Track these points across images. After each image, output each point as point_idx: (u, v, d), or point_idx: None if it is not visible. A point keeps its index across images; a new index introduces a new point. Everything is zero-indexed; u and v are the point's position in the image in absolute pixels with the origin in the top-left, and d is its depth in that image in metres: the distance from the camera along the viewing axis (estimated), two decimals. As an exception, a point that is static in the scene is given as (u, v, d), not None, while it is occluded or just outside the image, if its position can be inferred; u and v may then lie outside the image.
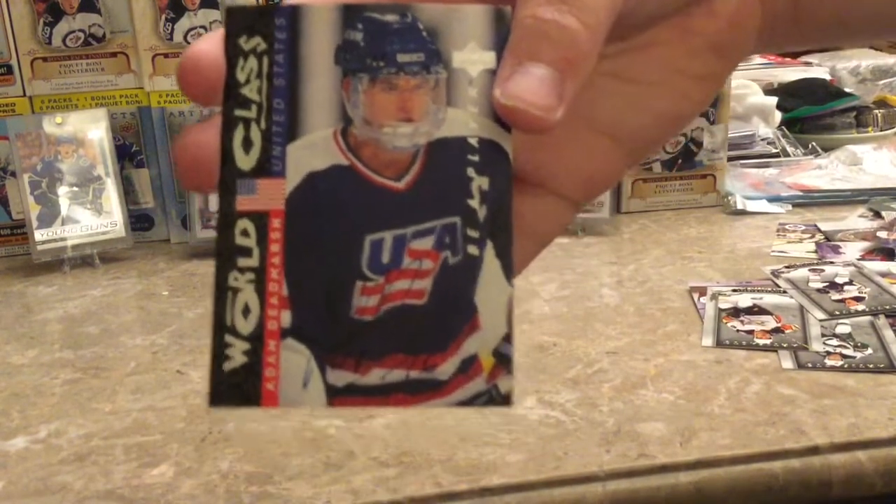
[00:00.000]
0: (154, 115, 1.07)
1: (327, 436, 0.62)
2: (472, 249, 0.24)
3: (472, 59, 0.24)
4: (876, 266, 0.89)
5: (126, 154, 1.09)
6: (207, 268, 1.00)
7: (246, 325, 0.23)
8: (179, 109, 1.07)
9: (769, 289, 0.84)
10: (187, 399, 0.68)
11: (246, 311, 0.23)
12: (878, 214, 1.08)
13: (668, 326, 0.78)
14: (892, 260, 0.91)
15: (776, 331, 0.75)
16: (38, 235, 1.00)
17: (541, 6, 0.23)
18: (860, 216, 1.08)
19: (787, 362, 0.70)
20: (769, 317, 0.78)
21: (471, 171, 0.24)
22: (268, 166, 0.24)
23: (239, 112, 0.24)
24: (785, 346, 0.72)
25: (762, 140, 1.32)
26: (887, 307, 0.78)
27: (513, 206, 0.24)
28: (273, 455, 0.60)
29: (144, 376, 0.73)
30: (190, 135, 0.25)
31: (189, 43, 1.06)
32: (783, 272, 0.88)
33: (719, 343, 0.74)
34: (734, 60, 0.29)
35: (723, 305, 0.81)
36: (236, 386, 0.23)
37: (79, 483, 0.58)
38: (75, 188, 1.03)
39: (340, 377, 0.23)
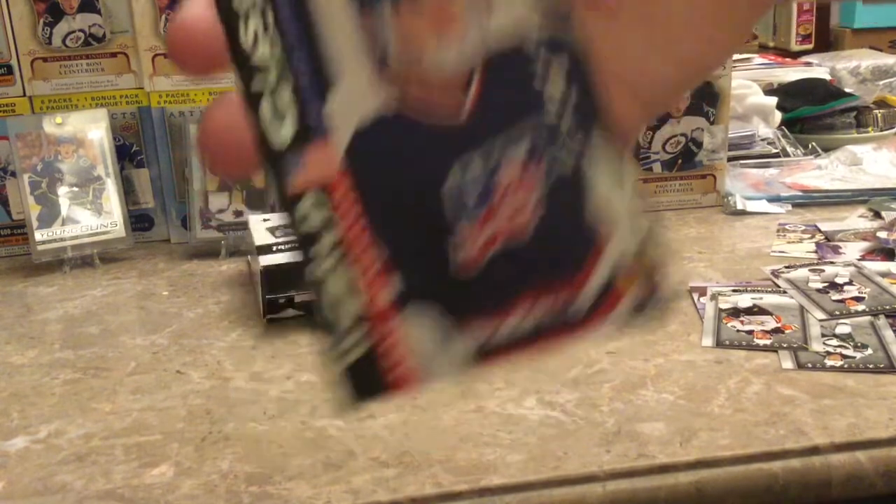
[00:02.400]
0: (154, 115, 1.07)
1: (327, 436, 0.62)
2: (567, 157, 0.21)
3: None
4: (876, 266, 0.89)
5: (126, 154, 1.09)
6: (207, 268, 1.00)
7: (352, 310, 0.21)
8: (179, 109, 1.08)
9: (769, 289, 0.84)
10: (187, 399, 0.68)
11: (345, 298, 0.21)
12: (878, 214, 1.08)
13: (668, 326, 0.78)
14: (892, 260, 0.91)
15: (776, 331, 0.75)
16: (38, 235, 1.00)
17: None
18: (860, 216, 1.08)
19: (787, 362, 0.70)
20: (769, 317, 0.78)
21: (539, 70, 0.20)
22: (308, 133, 0.20)
23: (257, 83, 0.21)
24: (785, 346, 0.72)
25: (762, 140, 1.32)
26: (887, 307, 0.78)
27: (599, 93, 0.21)
28: (273, 455, 0.60)
29: (144, 376, 0.73)
30: (212, 118, 0.22)
31: (189, 43, 1.06)
32: (783, 272, 0.88)
33: (719, 343, 0.74)
34: (766, 6, 0.27)
35: (723, 305, 0.81)
36: (364, 379, 0.21)
37: (79, 483, 0.58)
38: (75, 188, 1.03)
39: (474, 336, 0.21)
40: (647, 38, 0.26)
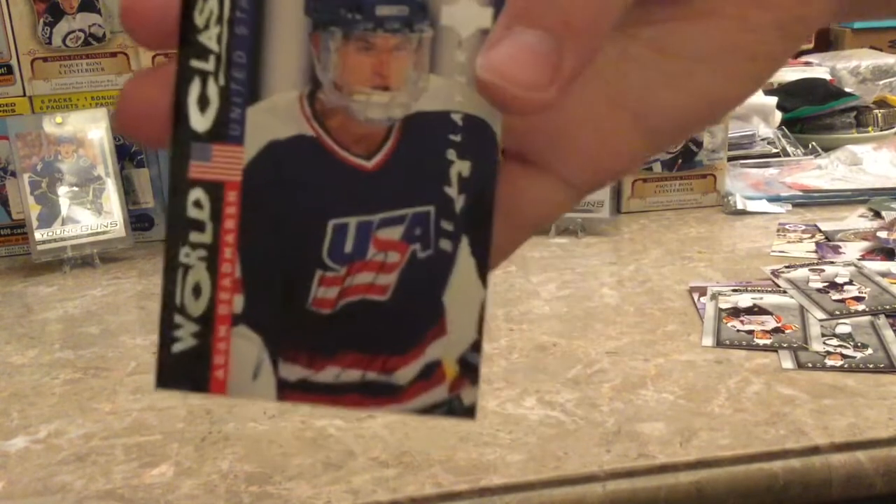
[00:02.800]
0: (154, 115, 1.07)
1: (327, 436, 0.62)
2: (445, 244, 0.22)
3: (464, 16, 0.21)
4: (876, 266, 0.89)
5: (126, 154, 1.09)
6: (207, 268, 1.00)
7: (196, 307, 0.22)
8: (179, 109, 1.07)
9: (769, 289, 0.84)
10: (187, 399, 0.68)
11: (197, 290, 0.22)
12: (878, 214, 1.08)
13: (668, 326, 0.78)
14: (892, 260, 0.91)
15: (776, 331, 0.75)
16: (38, 235, 1.00)
17: None
18: (860, 216, 1.08)
19: (787, 362, 0.70)
20: (769, 317, 0.78)
21: (451, 154, 0.21)
22: (225, 130, 0.21)
23: (195, 63, 0.21)
24: (785, 346, 0.72)
25: (762, 140, 1.32)
26: (887, 307, 0.78)
27: (496, 197, 0.21)
28: (273, 455, 0.60)
29: (144, 376, 0.73)
30: (136, 85, 0.22)
31: (189, 43, 1.06)
32: (783, 272, 0.88)
33: (719, 343, 0.74)
34: (799, 39, 0.24)
35: (723, 305, 0.81)
36: (184, 370, 0.22)
37: (79, 483, 0.58)
38: (75, 188, 1.03)
39: (292, 371, 0.22)
40: (660, 68, 0.24)
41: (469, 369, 0.22)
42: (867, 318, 0.77)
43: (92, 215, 1.03)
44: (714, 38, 0.24)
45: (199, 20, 0.21)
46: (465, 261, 0.22)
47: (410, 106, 0.21)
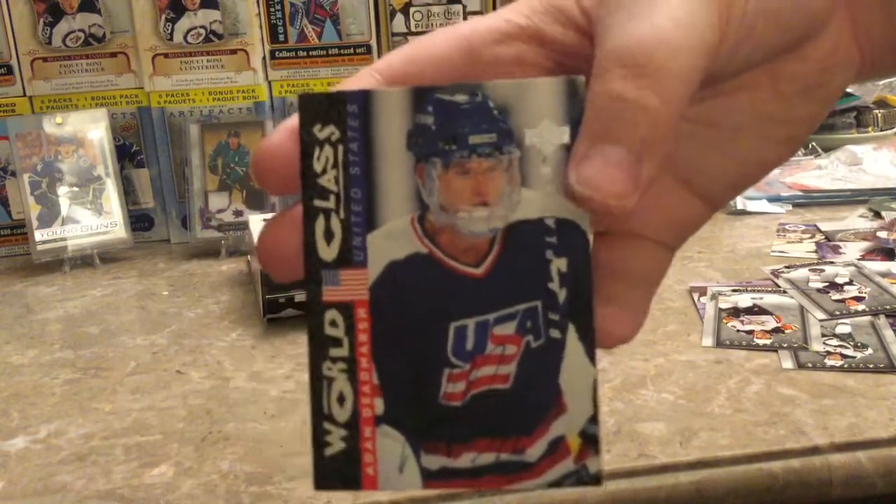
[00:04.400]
0: (154, 115, 1.07)
1: (327, 436, 0.62)
2: (555, 332, 0.24)
3: (545, 135, 0.24)
4: (876, 266, 0.89)
5: (126, 154, 1.09)
6: (207, 268, 1.00)
7: (342, 413, 0.25)
8: (179, 109, 1.08)
9: (769, 289, 0.84)
10: (187, 399, 0.68)
11: (341, 399, 0.25)
12: (878, 214, 1.08)
13: (668, 326, 0.78)
14: (892, 260, 0.91)
15: (776, 331, 0.75)
16: (38, 235, 1.00)
17: (616, 81, 0.22)
18: (860, 216, 1.08)
19: (787, 362, 0.70)
20: (769, 317, 0.78)
21: (549, 254, 0.24)
22: (350, 256, 0.24)
23: (318, 203, 0.24)
24: (785, 346, 0.72)
25: (762, 140, 1.32)
26: (887, 307, 0.78)
27: (593, 284, 0.24)
28: (273, 455, 0.60)
29: (144, 376, 0.73)
30: (271, 230, 0.25)
31: (189, 43, 1.06)
32: (783, 272, 0.88)
33: (719, 343, 0.74)
34: (830, 100, 0.27)
35: (723, 305, 0.81)
36: (338, 470, 0.25)
37: (79, 483, 0.58)
38: (75, 188, 1.03)
39: (433, 461, 0.25)
40: (707, 139, 0.26)
41: (590, 440, 0.25)
42: (867, 318, 0.77)
43: (92, 215, 1.03)
44: (752, 108, 0.26)
45: (318, 166, 0.24)
46: (573, 345, 0.25)
47: (508, 217, 0.24)
